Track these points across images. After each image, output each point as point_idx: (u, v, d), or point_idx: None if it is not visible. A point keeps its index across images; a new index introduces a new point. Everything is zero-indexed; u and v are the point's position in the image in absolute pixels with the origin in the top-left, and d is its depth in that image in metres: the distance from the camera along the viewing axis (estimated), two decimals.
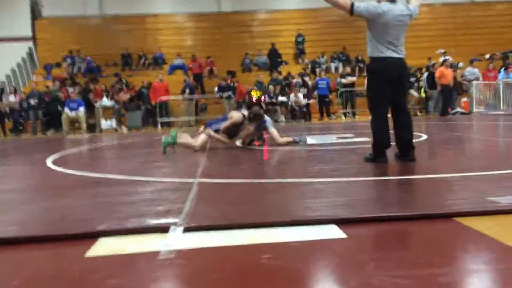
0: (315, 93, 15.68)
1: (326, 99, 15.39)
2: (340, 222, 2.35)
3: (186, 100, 15.24)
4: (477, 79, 14.59)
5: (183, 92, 15.28)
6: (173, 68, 18.74)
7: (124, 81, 16.63)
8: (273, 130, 6.55)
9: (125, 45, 19.17)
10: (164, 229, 2.31)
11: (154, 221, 2.47)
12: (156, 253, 2.00)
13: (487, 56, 18.30)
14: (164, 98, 14.83)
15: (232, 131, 6.42)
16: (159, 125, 14.58)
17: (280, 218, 2.45)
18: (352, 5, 4.20)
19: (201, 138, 6.22)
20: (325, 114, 15.33)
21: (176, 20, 20.59)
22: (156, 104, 14.75)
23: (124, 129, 14.22)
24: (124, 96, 15.16)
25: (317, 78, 15.95)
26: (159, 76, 15.61)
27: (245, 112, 6.48)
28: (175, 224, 2.38)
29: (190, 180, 3.76)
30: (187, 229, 2.31)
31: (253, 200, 3.03)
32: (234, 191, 3.37)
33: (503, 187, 3.01)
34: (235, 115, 6.41)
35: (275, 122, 14.38)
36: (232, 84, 15.94)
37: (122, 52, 19.05)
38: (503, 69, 15.05)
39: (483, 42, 19.35)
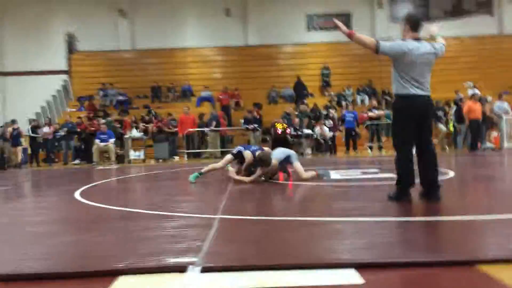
0: (341, 125, 15.68)
1: (353, 132, 15.33)
2: (359, 267, 2.32)
3: (212, 132, 15.45)
4: (507, 113, 14.26)
5: (209, 124, 15.52)
6: (201, 100, 19.14)
7: (153, 113, 17.07)
8: (297, 165, 6.53)
9: (155, 78, 19.78)
10: (182, 268, 2.33)
11: (173, 260, 2.49)
12: None
13: None
14: (191, 130, 15.09)
15: (250, 170, 6.52)
16: (185, 156, 14.79)
17: (298, 260, 2.43)
18: (378, 44, 4.24)
19: (225, 159, 6.66)
20: (351, 148, 15.24)
21: (204, 53, 21.18)
22: (183, 135, 15.01)
23: (152, 161, 14.48)
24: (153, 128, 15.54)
25: (345, 111, 15.96)
26: (185, 108, 15.93)
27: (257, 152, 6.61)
28: (193, 263, 2.40)
29: (212, 216, 3.79)
30: (204, 269, 2.32)
31: (272, 239, 3.02)
32: (255, 229, 3.37)
33: None
34: (247, 156, 6.55)
35: (300, 155, 14.42)
36: (258, 117, 16.12)
37: (152, 85, 19.63)
38: None
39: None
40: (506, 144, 13.77)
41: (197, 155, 15.40)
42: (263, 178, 6.56)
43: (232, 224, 3.60)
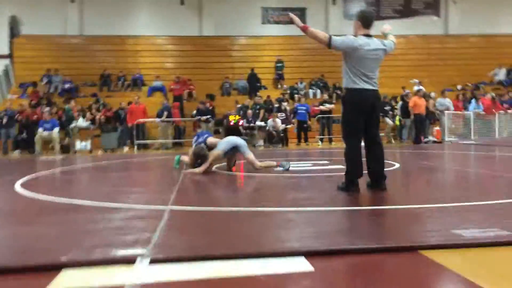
0: (293, 118, 15.89)
1: (305, 125, 15.57)
2: (309, 254, 2.36)
3: (163, 123, 15.18)
4: (448, 109, 15.02)
5: (159, 115, 15.23)
6: (152, 90, 18.73)
7: (101, 102, 16.51)
8: (249, 155, 6.56)
9: (104, 66, 19.13)
10: (130, 260, 2.27)
11: (120, 252, 2.43)
12: (121, 286, 1.97)
13: (459, 87, 18.91)
14: (141, 120, 14.74)
15: (197, 163, 6.54)
16: (135, 147, 14.45)
17: (249, 249, 2.44)
18: (330, 38, 4.33)
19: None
20: (302, 140, 15.48)
21: (157, 42, 20.71)
22: (132, 125, 14.64)
23: (99, 151, 14.03)
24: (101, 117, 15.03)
25: (297, 103, 16.17)
26: (136, 98, 15.54)
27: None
28: (141, 255, 2.34)
29: (162, 207, 3.73)
30: (153, 261, 2.28)
31: (223, 230, 3.01)
32: (205, 220, 3.35)
33: (468, 219, 3.09)
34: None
35: (252, 147, 14.49)
36: (210, 108, 16.01)
37: (101, 73, 18.97)
38: (473, 100, 15.56)
39: (455, 73, 20.05)
40: (446, 138, 14.49)
41: (147, 146, 15.09)
42: (214, 169, 6.55)
43: (182, 215, 3.56)
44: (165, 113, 15.19)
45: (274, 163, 6.72)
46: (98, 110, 15.64)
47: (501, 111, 15.28)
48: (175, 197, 4.32)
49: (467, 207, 3.53)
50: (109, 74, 19.07)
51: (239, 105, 16.30)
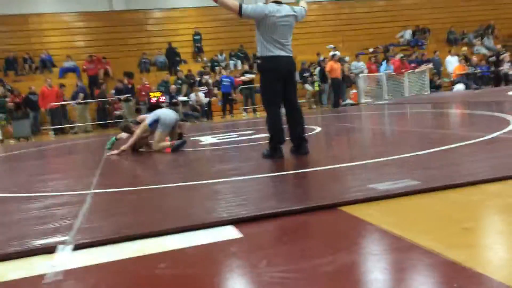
0: (217, 90, 15.83)
1: (230, 97, 15.57)
2: (236, 222, 2.41)
3: (80, 105, 14.41)
4: (362, 72, 15.77)
5: (74, 97, 14.42)
6: (64, 71, 17.61)
7: (8, 87, 15.25)
8: (157, 133, 6.15)
9: (7, 48, 17.57)
10: (50, 249, 2.18)
11: (39, 242, 2.31)
12: (41, 276, 1.88)
13: (370, 50, 19.83)
14: (54, 104, 13.87)
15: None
16: (52, 133, 13.62)
17: (176, 224, 2.43)
18: (240, 7, 4.31)
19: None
20: (227, 112, 15.51)
21: (63, 20, 19.32)
22: (46, 110, 13.75)
23: (11, 140, 13.05)
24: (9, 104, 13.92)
25: (222, 75, 16.05)
26: (48, 80, 14.55)
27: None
28: (63, 242, 2.25)
29: (84, 192, 3.58)
30: (77, 247, 2.20)
31: (149, 207, 2.97)
32: (131, 200, 3.27)
33: (383, 173, 3.31)
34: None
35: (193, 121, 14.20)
36: (130, 86, 15.43)
37: (5, 56, 17.42)
38: (385, 61, 16.44)
39: (366, 37, 20.96)
40: (363, 100, 15.26)
41: (64, 131, 14.29)
42: (142, 149, 6.32)
43: (106, 197, 3.45)
44: (81, 94, 14.40)
45: (168, 143, 6.26)
46: (5, 96, 14.44)
47: (410, 71, 16.31)
48: (98, 180, 4.17)
49: (382, 162, 3.77)
50: (14, 57, 17.58)
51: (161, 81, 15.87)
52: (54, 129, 13.82)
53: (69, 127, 14.60)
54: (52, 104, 13.82)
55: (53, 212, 3.01)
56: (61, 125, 14.23)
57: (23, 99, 14.39)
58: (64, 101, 14.48)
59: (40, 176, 5.00)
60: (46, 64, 17.86)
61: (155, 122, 6.14)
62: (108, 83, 16.66)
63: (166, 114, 6.24)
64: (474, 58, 17.60)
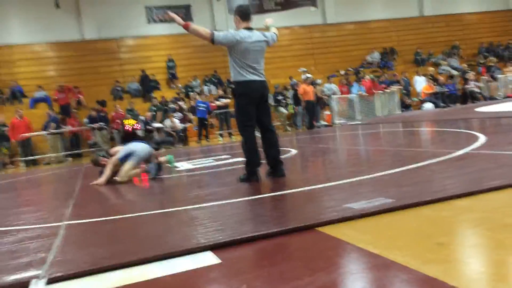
0: (192, 116, 15.83)
1: (206, 122, 15.60)
2: (215, 248, 2.40)
3: (51, 135, 14.14)
4: (335, 93, 16.09)
5: (46, 127, 14.16)
6: (35, 101, 17.33)
7: None
8: (127, 164, 5.93)
9: None
10: (23, 284, 2.11)
11: (12, 277, 2.24)
12: None
13: (342, 72, 20.30)
14: (25, 135, 13.57)
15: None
16: (22, 165, 13.27)
17: (154, 252, 2.40)
18: (213, 34, 4.40)
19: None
20: (203, 137, 15.48)
21: (34, 50, 19.10)
22: (17, 142, 13.44)
23: None
24: None
25: (198, 100, 16.08)
26: (19, 111, 14.27)
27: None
28: (37, 277, 2.19)
29: (57, 223, 3.50)
30: (51, 281, 2.14)
31: (125, 237, 2.93)
32: (107, 230, 3.21)
33: (358, 193, 3.36)
34: None
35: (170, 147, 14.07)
36: (103, 114, 15.29)
37: None
38: (356, 83, 16.84)
39: (337, 60, 21.47)
40: (336, 121, 15.51)
41: (36, 162, 13.95)
42: (117, 178, 6.08)
43: (80, 228, 3.37)
44: (52, 124, 14.16)
45: (137, 170, 6.18)
46: None
47: (380, 91, 16.72)
48: (71, 211, 4.08)
49: (357, 182, 3.84)
50: None
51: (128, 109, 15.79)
52: (26, 161, 13.48)
53: (41, 158, 14.27)
54: (23, 135, 13.53)
55: (26, 246, 2.92)
56: (32, 156, 13.90)
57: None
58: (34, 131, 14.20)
59: (11, 209, 4.86)
60: (16, 95, 17.54)
61: (127, 157, 6.02)
62: (81, 112, 16.46)
63: (139, 148, 6.10)
64: (441, 78, 18.22)
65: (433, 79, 17.62)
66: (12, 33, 18.69)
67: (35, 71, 18.79)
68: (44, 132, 14.12)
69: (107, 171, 5.97)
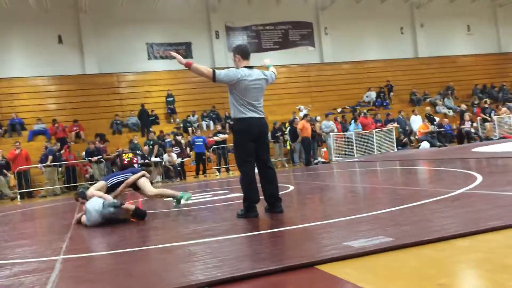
0: (190, 151, 15.89)
1: (203, 157, 15.64)
2: (212, 284, 2.38)
3: (48, 168, 14.10)
4: (332, 130, 16.26)
5: (43, 160, 14.15)
6: (34, 134, 17.40)
7: None
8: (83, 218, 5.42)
9: None
10: None
11: None
12: None
13: (339, 110, 20.57)
14: (23, 167, 13.55)
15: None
16: (18, 197, 13.17)
17: None
18: (214, 72, 4.50)
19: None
20: (200, 172, 15.48)
21: (35, 83, 19.35)
22: (14, 174, 13.39)
23: None
24: None
25: (194, 136, 16.19)
26: (17, 143, 14.30)
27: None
28: None
29: (53, 258, 3.46)
30: None
31: (121, 273, 2.89)
32: (103, 266, 3.18)
33: (357, 230, 3.35)
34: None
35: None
36: (101, 148, 15.32)
37: None
38: (353, 121, 17.03)
39: (334, 98, 21.82)
40: (333, 158, 15.58)
41: (32, 195, 13.85)
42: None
43: (77, 263, 3.33)
44: (50, 157, 14.15)
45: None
46: None
47: (377, 129, 16.90)
48: (67, 245, 4.04)
49: (356, 220, 3.83)
50: None
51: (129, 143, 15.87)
52: (20, 193, 13.38)
53: (37, 190, 14.17)
54: (21, 167, 13.50)
55: (21, 281, 2.88)
56: (28, 188, 13.81)
57: None
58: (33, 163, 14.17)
59: (6, 243, 4.79)
60: (16, 127, 17.63)
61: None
62: (79, 146, 16.50)
63: (90, 206, 5.35)
64: (437, 118, 18.48)
65: (431, 119, 17.86)
66: (14, 67, 19.00)
67: (36, 104, 18.98)
68: (40, 165, 14.08)
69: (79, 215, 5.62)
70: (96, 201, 5.30)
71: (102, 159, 14.76)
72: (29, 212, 9.08)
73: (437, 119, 18.36)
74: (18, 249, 4.25)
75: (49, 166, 14.03)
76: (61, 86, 19.55)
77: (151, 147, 15.63)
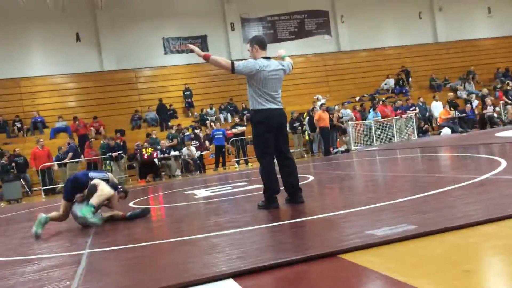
0: (209, 144, 15.98)
1: (223, 149, 15.71)
2: (236, 276, 2.39)
3: (69, 164, 14.37)
4: (352, 119, 16.11)
5: (64, 156, 14.41)
6: (56, 132, 17.73)
7: None
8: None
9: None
10: None
11: None
12: None
13: (357, 98, 20.35)
14: (46, 164, 13.84)
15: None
16: (42, 194, 13.48)
17: (175, 280, 2.40)
18: (233, 64, 4.50)
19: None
20: (220, 164, 15.56)
21: (55, 81, 19.69)
22: (37, 171, 13.70)
23: (2, 203, 12.86)
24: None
25: (214, 129, 16.28)
26: (40, 141, 14.60)
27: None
28: None
29: (79, 252, 3.53)
30: None
31: (148, 265, 2.93)
32: (128, 258, 3.23)
33: (379, 219, 3.32)
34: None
35: (171, 177, 14.23)
36: (121, 143, 15.53)
37: None
38: (372, 109, 16.83)
39: (351, 86, 21.59)
40: (353, 147, 15.45)
41: (55, 191, 14.14)
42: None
43: (102, 256, 3.40)
44: (70, 154, 14.40)
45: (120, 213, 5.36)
46: None
47: (397, 117, 16.67)
48: (92, 240, 4.12)
49: (378, 208, 3.80)
50: (4, 120, 17.76)
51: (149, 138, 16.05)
52: (45, 190, 13.69)
53: (61, 187, 14.47)
54: (44, 164, 13.80)
55: (49, 275, 2.95)
56: (52, 185, 14.11)
57: (9, 161, 14.32)
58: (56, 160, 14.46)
59: (33, 238, 4.91)
60: (37, 125, 18.00)
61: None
62: (99, 142, 16.75)
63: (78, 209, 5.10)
64: (457, 103, 18.13)
65: (453, 105, 17.52)
66: (34, 66, 19.33)
67: (56, 102, 19.32)
68: (63, 161, 14.35)
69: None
70: (80, 206, 5.00)
71: (122, 155, 14.95)
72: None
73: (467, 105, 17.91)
74: (45, 244, 4.35)
75: (71, 162, 14.28)
76: (80, 83, 19.84)
77: (171, 141, 15.79)
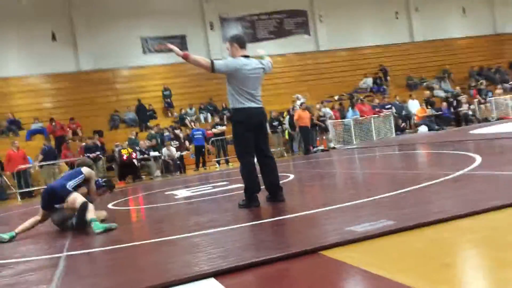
0: (189, 144, 15.88)
1: (203, 149, 15.63)
2: (218, 274, 2.38)
3: (46, 167, 14.07)
4: (331, 118, 16.24)
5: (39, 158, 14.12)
6: (32, 133, 17.34)
7: None
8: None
9: None
10: None
11: None
12: None
13: (336, 97, 20.52)
14: (22, 167, 13.52)
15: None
16: (18, 197, 13.17)
17: (156, 281, 2.38)
18: (212, 63, 4.47)
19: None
20: (201, 165, 15.48)
21: (30, 82, 19.25)
22: (12, 174, 13.37)
23: None
24: None
25: (193, 129, 16.17)
26: (15, 143, 14.26)
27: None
28: None
29: (57, 255, 3.46)
30: None
31: (128, 266, 2.90)
32: (107, 260, 3.18)
33: (359, 215, 3.36)
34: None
35: (151, 178, 14.09)
36: (99, 144, 15.30)
37: None
38: (350, 108, 17.00)
39: (330, 85, 21.74)
40: (332, 145, 15.57)
41: (31, 195, 13.83)
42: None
43: (81, 259, 3.34)
44: (40, 156, 14.08)
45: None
46: None
47: (375, 115, 16.86)
48: (70, 242, 4.04)
49: (358, 205, 3.84)
50: None
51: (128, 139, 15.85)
52: (21, 193, 13.37)
53: (37, 190, 14.15)
54: (19, 167, 13.48)
55: (26, 279, 2.89)
56: (28, 188, 13.79)
57: None
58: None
59: (10, 242, 4.79)
60: (12, 127, 17.56)
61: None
62: (77, 143, 16.45)
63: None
64: (434, 101, 18.46)
65: (430, 103, 17.83)
66: (8, 66, 18.87)
67: (32, 103, 18.88)
68: (37, 163, 14.05)
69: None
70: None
71: (101, 156, 14.73)
72: (30, 211, 9.07)
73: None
74: (22, 247, 4.25)
75: (48, 165, 13.99)
76: (57, 84, 19.45)
77: (150, 141, 15.64)
